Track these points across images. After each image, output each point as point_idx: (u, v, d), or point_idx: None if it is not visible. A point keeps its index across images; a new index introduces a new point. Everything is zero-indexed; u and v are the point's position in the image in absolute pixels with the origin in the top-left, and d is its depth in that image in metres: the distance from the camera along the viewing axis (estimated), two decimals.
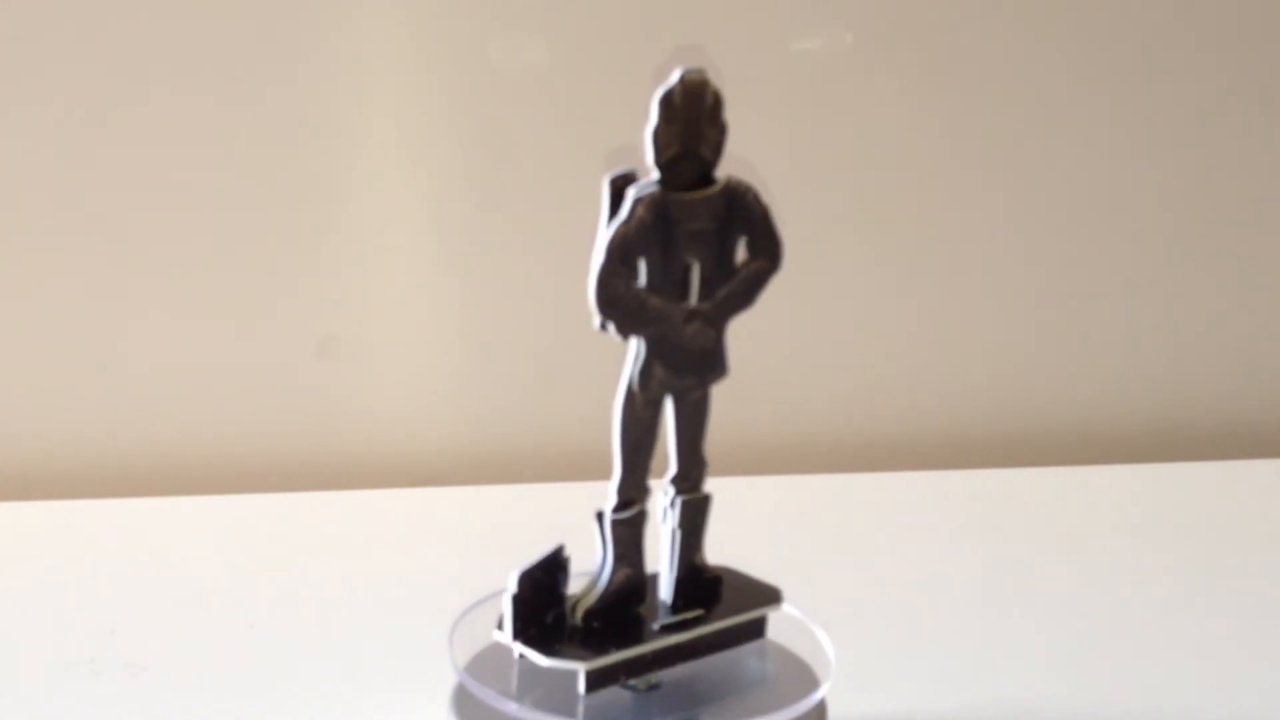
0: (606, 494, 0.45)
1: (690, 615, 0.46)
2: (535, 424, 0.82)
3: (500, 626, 0.45)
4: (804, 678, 0.46)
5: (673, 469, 0.47)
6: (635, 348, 0.44)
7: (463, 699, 0.46)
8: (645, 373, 0.44)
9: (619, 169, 0.43)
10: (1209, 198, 0.83)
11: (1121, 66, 0.81)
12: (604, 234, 0.42)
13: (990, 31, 0.80)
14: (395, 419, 0.82)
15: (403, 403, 0.81)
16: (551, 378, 0.81)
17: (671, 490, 0.47)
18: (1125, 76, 0.81)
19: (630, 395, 0.44)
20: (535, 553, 0.45)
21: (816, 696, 0.45)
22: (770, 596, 0.48)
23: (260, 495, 0.76)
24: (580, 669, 0.44)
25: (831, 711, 0.47)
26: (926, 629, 0.61)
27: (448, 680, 0.47)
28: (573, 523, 0.47)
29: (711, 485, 0.47)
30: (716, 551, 0.49)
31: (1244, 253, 0.85)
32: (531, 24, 0.77)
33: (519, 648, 0.44)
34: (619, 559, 0.46)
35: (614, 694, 0.45)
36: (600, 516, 0.45)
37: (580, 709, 0.44)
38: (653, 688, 0.46)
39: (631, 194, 0.42)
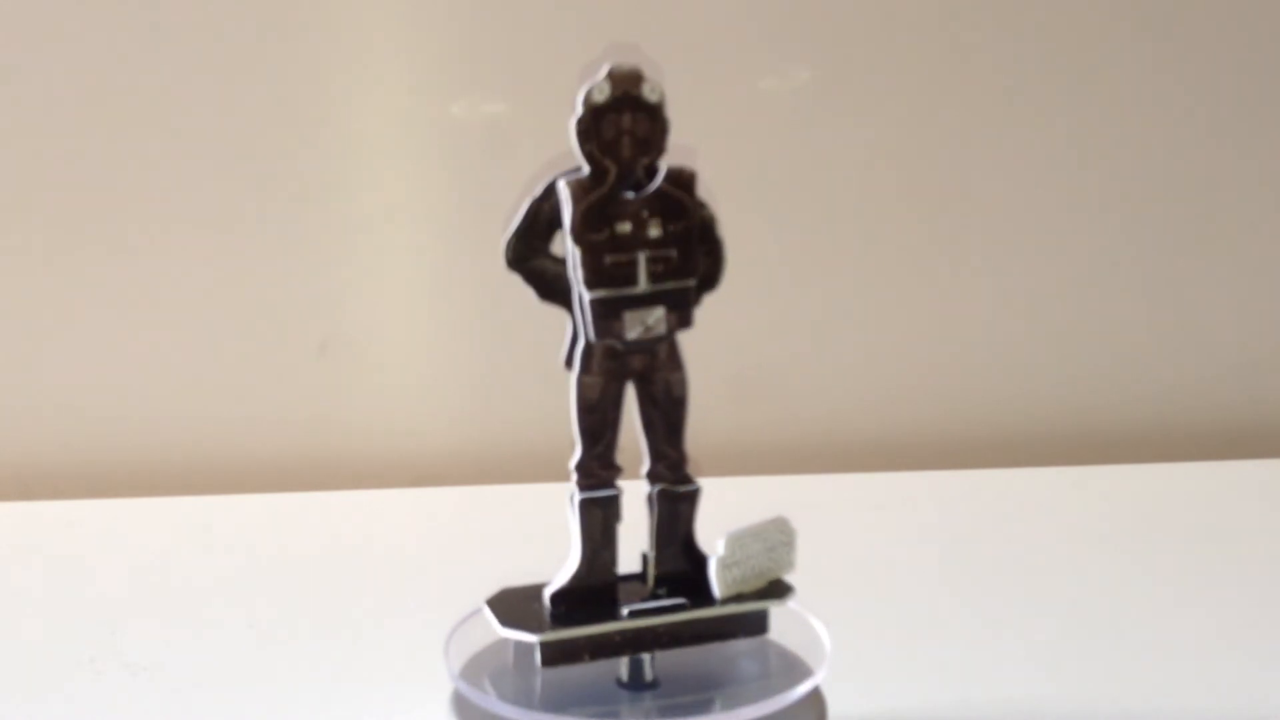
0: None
1: (667, 603, 0.45)
2: (535, 424, 0.82)
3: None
4: (800, 670, 0.46)
5: (645, 462, 0.47)
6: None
7: (462, 699, 0.46)
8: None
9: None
10: (1209, 198, 0.83)
11: (1121, 67, 0.81)
12: None
13: (991, 32, 0.80)
14: (395, 419, 0.82)
15: (403, 403, 0.81)
16: (551, 378, 0.81)
17: (648, 483, 0.47)
18: (1126, 77, 0.81)
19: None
20: (534, 552, 0.45)
21: (811, 683, 0.45)
22: (774, 592, 0.47)
23: (260, 495, 0.76)
24: (535, 640, 0.44)
25: (832, 710, 0.47)
26: (926, 628, 0.61)
27: (447, 680, 0.47)
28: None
29: (712, 485, 0.47)
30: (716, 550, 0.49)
31: (1244, 253, 0.85)
32: (532, 22, 0.77)
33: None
34: (585, 541, 0.46)
35: (611, 690, 0.45)
36: (571, 498, 0.46)
37: (577, 705, 0.44)
38: (650, 684, 0.46)
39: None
